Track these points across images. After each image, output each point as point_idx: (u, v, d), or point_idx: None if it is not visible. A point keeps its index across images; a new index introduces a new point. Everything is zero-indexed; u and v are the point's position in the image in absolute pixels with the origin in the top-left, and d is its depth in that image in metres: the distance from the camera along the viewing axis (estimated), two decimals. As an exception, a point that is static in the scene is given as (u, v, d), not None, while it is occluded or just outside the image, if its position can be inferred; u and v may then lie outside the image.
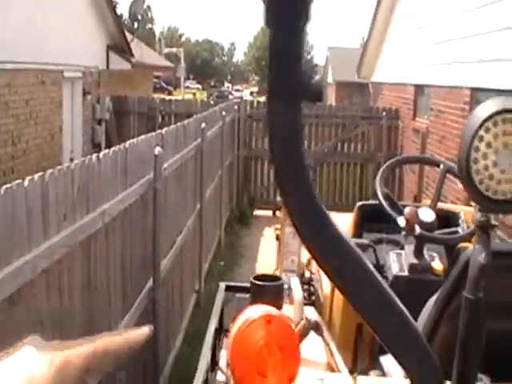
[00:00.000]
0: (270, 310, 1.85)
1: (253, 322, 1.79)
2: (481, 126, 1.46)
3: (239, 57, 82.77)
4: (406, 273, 3.09)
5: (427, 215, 3.22)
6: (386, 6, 15.41)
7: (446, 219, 3.47)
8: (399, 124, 13.76)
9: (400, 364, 1.45)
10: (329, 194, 13.78)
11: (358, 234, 3.81)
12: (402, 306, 1.43)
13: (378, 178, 3.60)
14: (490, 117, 1.46)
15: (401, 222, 3.17)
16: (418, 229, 3.13)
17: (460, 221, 3.61)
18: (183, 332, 6.72)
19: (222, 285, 3.76)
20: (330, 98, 37.59)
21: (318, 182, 13.37)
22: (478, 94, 9.35)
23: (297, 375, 1.79)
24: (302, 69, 0.97)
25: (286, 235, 4.99)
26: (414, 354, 1.43)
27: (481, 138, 1.47)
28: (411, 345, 1.43)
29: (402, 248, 3.34)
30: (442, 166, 3.61)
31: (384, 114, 13.81)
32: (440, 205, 3.68)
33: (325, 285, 4.14)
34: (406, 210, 3.20)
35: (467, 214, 3.63)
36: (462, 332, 1.65)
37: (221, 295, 3.58)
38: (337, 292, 3.78)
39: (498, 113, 1.46)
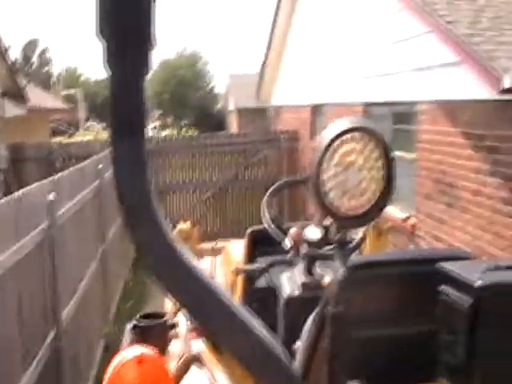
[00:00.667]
0: (143, 350, 1.84)
1: (125, 363, 1.79)
2: (328, 146, 1.49)
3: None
4: (298, 292, 3.11)
5: (313, 233, 3.26)
6: (281, 30, 15.71)
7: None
8: (298, 145, 13.97)
9: None
10: (233, 221, 13.79)
11: (250, 259, 3.83)
12: (262, 330, 1.43)
13: (263, 202, 3.64)
14: (337, 137, 1.49)
15: (286, 243, 3.21)
16: (303, 248, 3.17)
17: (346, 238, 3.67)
18: (93, 379, 6.53)
19: (128, 325, 3.71)
20: (232, 125, 37.82)
21: (219, 211, 13.51)
22: (368, 109, 9.61)
23: None
24: (143, 109, 0.97)
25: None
26: (275, 378, 1.44)
27: (329, 159, 1.50)
28: (273, 368, 1.44)
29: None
30: None
31: (282, 136, 13.99)
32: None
33: None
34: (291, 231, 3.23)
35: None
36: (327, 344, 1.68)
37: (128, 336, 3.53)
38: None
39: (344, 133, 1.50)
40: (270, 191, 3.79)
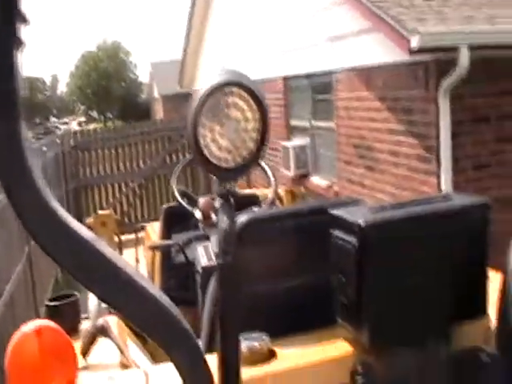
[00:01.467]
0: (43, 323, 1.86)
1: (24, 336, 1.81)
2: (204, 101, 1.54)
3: (62, 88, 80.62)
4: (212, 262, 3.14)
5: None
6: (200, 14, 15.65)
7: (246, 203, 3.56)
8: (223, 125, 13.98)
9: (164, 350, 1.51)
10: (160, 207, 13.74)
11: (167, 236, 3.86)
12: (158, 294, 1.48)
13: (172, 178, 3.69)
14: (212, 92, 1.54)
15: (197, 214, 3.25)
16: (214, 217, 3.20)
17: (258, 201, 3.74)
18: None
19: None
20: (158, 113, 37.56)
21: (147, 199, 13.48)
22: (288, 82, 9.72)
23: (76, 379, 1.83)
24: (15, 85, 1.00)
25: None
26: (173, 339, 1.49)
27: (205, 113, 1.55)
28: (168, 330, 1.49)
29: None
30: None
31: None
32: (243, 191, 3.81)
33: None
34: (200, 201, 3.26)
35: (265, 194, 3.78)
36: (219, 297, 1.72)
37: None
38: None
39: (220, 86, 1.54)
40: (176, 168, 3.88)
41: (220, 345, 1.70)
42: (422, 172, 5.82)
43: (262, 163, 3.78)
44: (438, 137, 5.55)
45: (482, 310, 2.11)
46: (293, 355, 2.05)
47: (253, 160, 1.63)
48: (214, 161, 1.58)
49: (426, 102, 5.67)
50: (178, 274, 3.52)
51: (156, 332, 1.44)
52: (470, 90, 5.54)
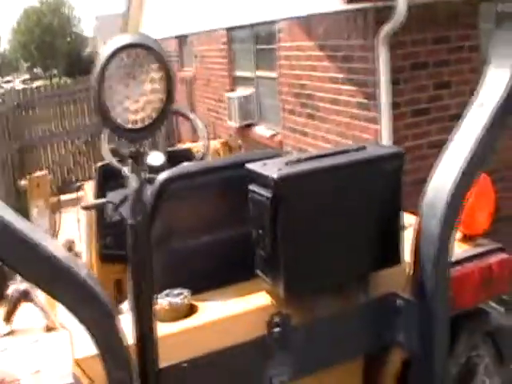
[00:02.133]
0: None
1: None
2: (107, 62, 1.52)
3: (4, 45, 78.35)
4: None
5: (156, 159, 3.28)
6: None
7: (181, 158, 3.53)
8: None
9: (69, 310, 1.52)
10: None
11: (101, 194, 3.82)
12: (63, 255, 1.47)
13: (102, 136, 3.64)
14: (115, 53, 1.53)
15: (126, 171, 3.21)
16: (145, 174, 3.18)
17: (192, 156, 3.71)
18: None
19: None
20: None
21: (93, 157, 13.28)
22: (232, 33, 9.63)
23: None
24: None
25: (34, 214, 4.89)
26: (75, 299, 1.50)
27: (109, 74, 1.53)
28: (70, 290, 1.49)
29: None
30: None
31: (152, 71, 13.78)
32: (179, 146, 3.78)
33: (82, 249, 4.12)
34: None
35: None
36: (130, 256, 1.73)
37: None
38: (91, 253, 3.77)
39: (122, 48, 1.54)
40: (104, 133, 3.80)
41: (133, 303, 1.73)
42: (363, 119, 5.86)
43: (192, 116, 3.75)
44: (377, 84, 5.58)
45: (397, 257, 2.15)
46: (213, 309, 2.09)
47: (160, 120, 1.64)
48: (121, 122, 1.58)
49: (365, 50, 5.67)
50: (114, 232, 3.50)
51: (57, 292, 1.46)
52: (408, 37, 5.55)
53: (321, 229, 2.03)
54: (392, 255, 2.15)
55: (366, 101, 5.80)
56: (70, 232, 4.86)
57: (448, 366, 2.16)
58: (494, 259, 2.28)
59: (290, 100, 7.45)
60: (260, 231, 2.06)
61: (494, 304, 2.46)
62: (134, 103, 1.60)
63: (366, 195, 2.08)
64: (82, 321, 1.57)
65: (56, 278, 1.48)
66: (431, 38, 5.64)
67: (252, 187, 2.08)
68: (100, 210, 3.63)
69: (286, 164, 2.04)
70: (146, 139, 1.67)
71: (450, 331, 2.18)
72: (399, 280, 2.20)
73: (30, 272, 1.46)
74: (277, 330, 2.03)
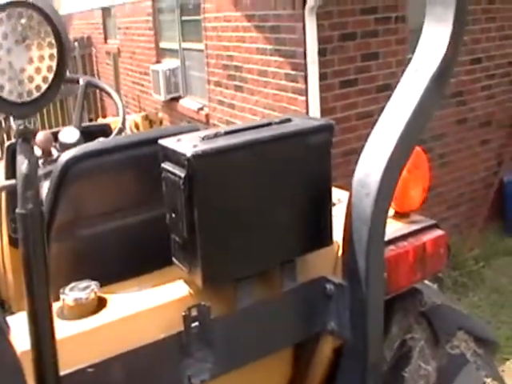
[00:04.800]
0: None
1: None
2: None
3: None
4: None
5: (69, 135, 3.08)
6: None
7: (98, 134, 3.33)
8: (92, 50, 13.53)
9: None
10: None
11: (12, 175, 3.60)
12: None
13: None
14: None
15: (36, 151, 2.99)
16: (55, 152, 3.00)
17: (110, 132, 3.51)
18: None
19: None
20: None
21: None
22: (156, 3, 9.43)
23: None
24: None
25: None
26: None
27: None
28: None
29: None
30: (81, 80, 3.49)
31: (76, 43, 13.45)
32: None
33: None
34: (38, 138, 3.00)
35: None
36: (22, 249, 1.53)
37: None
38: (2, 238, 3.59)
39: (1, 7, 1.35)
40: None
41: (27, 302, 1.54)
42: (291, 91, 5.79)
43: (107, 88, 3.57)
44: (305, 55, 5.51)
45: (328, 239, 1.98)
46: (124, 303, 1.89)
47: (52, 92, 1.44)
48: (5, 95, 1.37)
49: (293, 20, 5.59)
50: None
51: None
52: (336, 8, 5.50)
53: (242, 211, 1.83)
54: (322, 236, 1.97)
55: (293, 72, 5.72)
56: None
57: (381, 352, 2.04)
58: (428, 236, 2.15)
59: (217, 72, 7.32)
60: (174, 214, 1.85)
61: (427, 282, 2.36)
62: (20, 72, 1.40)
63: (292, 172, 1.90)
64: None
65: None
66: (359, 8, 5.60)
67: (165, 165, 1.86)
68: (10, 192, 3.39)
69: (203, 139, 1.82)
70: (34, 114, 1.45)
71: (384, 313, 2.04)
72: (329, 263, 2.05)
73: None
74: (195, 324, 1.82)
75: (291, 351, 2.19)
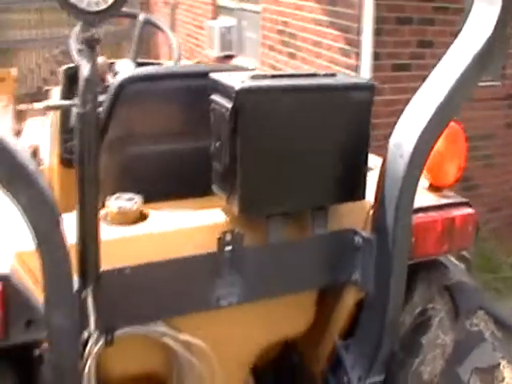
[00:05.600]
0: None
1: None
2: None
3: None
4: None
5: (125, 66, 3.17)
6: None
7: None
8: (150, -2, 13.54)
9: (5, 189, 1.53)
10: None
11: (68, 99, 3.71)
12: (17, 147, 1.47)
13: (71, 39, 3.51)
14: None
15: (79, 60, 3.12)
16: (110, 79, 3.08)
17: None
18: None
19: None
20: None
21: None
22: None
23: None
24: None
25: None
26: (11, 180, 1.49)
27: None
28: (21, 183, 1.49)
29: None
30: (140, 16, 3.56)
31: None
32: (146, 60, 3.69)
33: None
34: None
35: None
36: (76, 148, 1.67)
37: None
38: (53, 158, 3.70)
39: None
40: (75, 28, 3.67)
41: (77, 200, 1.68)
42: (343, 66, 5.78)
43: (166, 28, 3.65)
44: (360, 32, 5.48)
45: (360, 193, 2.08)
46: (164, 219, 2.02)
47: (117, 5, 1.57)
48: (78, 3, 1.52)
49: (352, -5, 5.55)
50: None
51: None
52: (395, -11, 5.45)
53: (282, 150, 1.94)
54: (355, 190, 2.07)
55: (348, 47, 5.71)
56: (35, 139, 4.71)
57: (400, 312, 2.14)
58: (458, 212, 2.25)
59: (271, 36, 7.30)
60: (218, 144, 1.97)
61: (455, 260, 2.45)
62: None
63: (332, 123, 1.99)
64: (16, 199, 1.54)
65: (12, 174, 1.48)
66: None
67: (214, 97, 1.98)
68: (64, 113, 3.50)
69: (252, 77, 1.93)
70: (100, 23, 1.59)
71: (409, 280, 2.16)
72: (360, 217, 2.15)
73: None
74: (228, 248, 1.95)
75: (316, 296, 2.30)
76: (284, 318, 2.24)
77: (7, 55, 13.03)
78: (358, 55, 5.55)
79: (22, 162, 1.51)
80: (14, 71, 5.19)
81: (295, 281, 2.12)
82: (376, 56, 5.48)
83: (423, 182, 2.31)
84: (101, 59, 3.11)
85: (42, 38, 13.34)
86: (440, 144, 2.15)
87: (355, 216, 2.16)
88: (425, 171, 2.23)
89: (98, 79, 1.72)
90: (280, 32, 7.06)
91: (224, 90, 1.92)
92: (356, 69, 5.57)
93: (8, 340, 1.69)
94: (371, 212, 2.11)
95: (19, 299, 1.68)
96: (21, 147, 1.58)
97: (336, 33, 5.88)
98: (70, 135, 3.65)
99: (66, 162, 3.42)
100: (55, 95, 4.30)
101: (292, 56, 6.81)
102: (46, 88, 5.31)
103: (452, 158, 2.28)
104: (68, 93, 3.81)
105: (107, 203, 2.00)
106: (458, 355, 2.18)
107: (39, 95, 6.80)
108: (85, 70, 1.64)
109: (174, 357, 2.04)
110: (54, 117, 3.84)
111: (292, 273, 2.09)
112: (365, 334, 2.18)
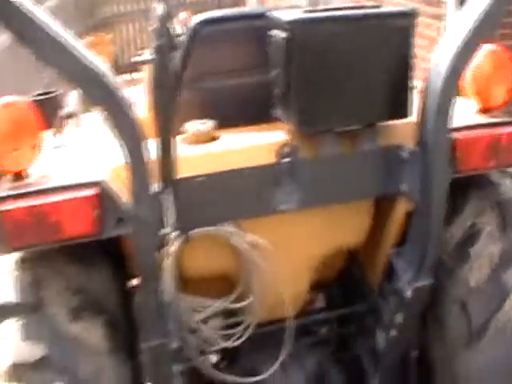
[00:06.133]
0: (12, 98, 2.12)
1: None
2: None
3: None
4: None
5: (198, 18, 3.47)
6: None
7: None
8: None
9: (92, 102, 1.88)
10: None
11: None
12: (90, 57, 1.82)
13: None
14: None
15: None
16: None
17: None
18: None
19: None
20: None
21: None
22: None
23: (39, 146, 2.14)
24: None
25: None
26: (98, 94, 1.84)
27: None
28: (94, 85, 1.83)
29: None
30: None
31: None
32: None
33: None
34: (180, 16, 3.41)
35: None
36: (155, 76, 1.99)
37: None
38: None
39: None
40: None
41: (158, 119, 2.03)
42: (429, 16, 5.79)
43: None
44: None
45: (405, 111, 2.29)
46: (232, 140, 2.33)
47: None
48: None
49: None
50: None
51: (83, 86, 1.83)
52: None
53: (332, 73, 2.18)
54: (400, 108, 2.28)
55: (432, -1, 5.72)
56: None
57: (442, 218, 2.28)
58: (505, 130, 2.36)
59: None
60: (276, 71, 2.25)
61: (507, 179, 2.57)
62: None
63: (377, 47, 2.21)
64: (104, 110, 1.87)
65: (84, 76, 1.81)
66: None
67: (272, 32, 2.26)
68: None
69: (304, 12, 2.21)
70: None
71: (460, 195, 2.38)
72: (406, 134, 2.32)
73: (64, 69, 1.80)
74: (286, 159, 2.23)
75: (370, 208, 2.55)
76: (342, 225, 2.49)
77: (106, 27, 13.54)
78: (442, 4, 5.55)
79: (123, 96, 1.88)
80: (108, 36, 5.55)
81: (348, 191, 2.36)
82: (463, 3, 5.45)
83: (473, 105, 2.49)
84: (182, 15, 3.41)
85: (139, 10, 13.80)
86: (488, 68, 2.37)
87: (401, 132, 2.35)
88: (474, 94, 2.44)
89: (170, 17, 2.00)
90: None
91: (280, 24, 2.20)
92: (441, 18, 5.59)
93: (102, 234, 2.01)
94: (415, 128, 2.29)
95: (111, 201, 2.00)
96: (120, 82, 1.90)
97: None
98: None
99: None
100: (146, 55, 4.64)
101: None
102: (139, 52, 5.65)
103: (500, 81, 2.42)
104: None
105: (185, 127, 2.34)
106: (504, 263, 2.37)
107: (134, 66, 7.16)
108: (159, 8, 1.94)
109: (243, 257, 2.33)
110: (147, 74, 4.16)
111: (344, 183, 2.33)
112: (413, 241, 2.37)
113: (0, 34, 5.76)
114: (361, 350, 2.79)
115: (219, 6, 3.72)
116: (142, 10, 13.80)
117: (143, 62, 3.58)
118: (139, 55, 5.33)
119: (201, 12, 2.61)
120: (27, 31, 1.73)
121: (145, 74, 4.23)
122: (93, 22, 13.27)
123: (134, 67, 5.69)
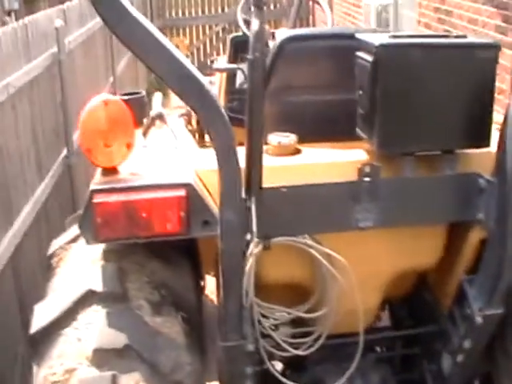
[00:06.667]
0: (110, 96, 2.23)
1: (94, 105, 2.20)
2: None
3: None
4: None
5: (282, 34, 3.53)
6: None
7: None
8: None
9: (190, 107, 2.02)
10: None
11: (233, 62, 4.14)
12: (187, 64, 1.93)
13: (239, 7, 3.91)
14: None
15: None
16: (270, 44, 3.44)
17: None
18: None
19: None
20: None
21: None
22: None
23: (133, 144, 2.27)
24: None
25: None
26: (192, 96, 1.96)
27: None
28: (188, 84, 1.92)
29: None
30: None
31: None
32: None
33: None
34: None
35: None
36: (248, 88, 2.10)
37: None
38: None
39: None
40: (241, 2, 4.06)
41: (246, 131, 2.12)
42: (503, 44, 5.75)
43: (322, 1, 4.00)
44: (517, 9, 5.47)
45: (486, 141, 2.35)
46: (314, 155, 2.44)
47: None
48: None
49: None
50: (241, 98, 3.74)
51: (178, 88, 1.93)
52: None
53: (416, 98, 2.28)
54: (481, 138, 2.35)
55: (504, 24, 5.71)
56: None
57: None
58: None
59: (427, 14, 7.39)
60: (361, 92, 2.35)
61: None
62: None
63: (460, 77, 2.29)
64: (198, 115, 2.03)
65: (181, 77, 1.91)
66: None
67: (359, 53, 2.37)
68: (231, 75, 3.94)
69: (391, 37, 2.31)
70: None
71: None
72: (485, 163, 2.38)
73: (163, 72, 1.90)
74: (367, 178, 2.29)
75: (444, 233, 2.58)
76: (415, 247, 2.54)
77: (172, 30, 13.74)
78: (513, 32, 5.54)
79: (216, 99, 2.01)
80: (186, 41, 5.69)
81: (425, 214, 2.41)
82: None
83: None
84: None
85: (204, 15, 14.03)
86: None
87: (479, 161, 2.41)
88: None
89: (265, 33, 2.09)
90: (436, 9, 7.14)
91: (367, 47, 2.30)
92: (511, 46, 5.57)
93: (189, 234, 2.10)
94: (493, 158, 2.34)
95: (198, 204, 2.10)
96: (210, 85, 2.00)
97: (492, 9, 5.89)
98: (235, 96, 4.07)
99: (229, 120, 3.85)
100: (221, 62, 4.73)
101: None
102: (212, 58, 5.77)
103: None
104: (234, 58, 4.24)
105: (269, 139, 2.44)
106: None
107: (202, 70, 7.29)
108: (255, 24, 2.04)
109: (319, 269, 2.39)
110: (220, 80, 4.27)
111: (422, 206, 2.39)
112: (486, 269, 2.40)
113: (72, 32, 5.92)
114: (425, 373, 2.82)
115: (298, 11, 3.82)
116: (208, 16, 14.05)
117: (223, 71, 3.68)
118: (212, 62, 5.45)
119: (279, 20, 2.73)
120: (135, 34, 1.83)
121: (216, 80, 4.35)
122: (159, 24, 13.52)
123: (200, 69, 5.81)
